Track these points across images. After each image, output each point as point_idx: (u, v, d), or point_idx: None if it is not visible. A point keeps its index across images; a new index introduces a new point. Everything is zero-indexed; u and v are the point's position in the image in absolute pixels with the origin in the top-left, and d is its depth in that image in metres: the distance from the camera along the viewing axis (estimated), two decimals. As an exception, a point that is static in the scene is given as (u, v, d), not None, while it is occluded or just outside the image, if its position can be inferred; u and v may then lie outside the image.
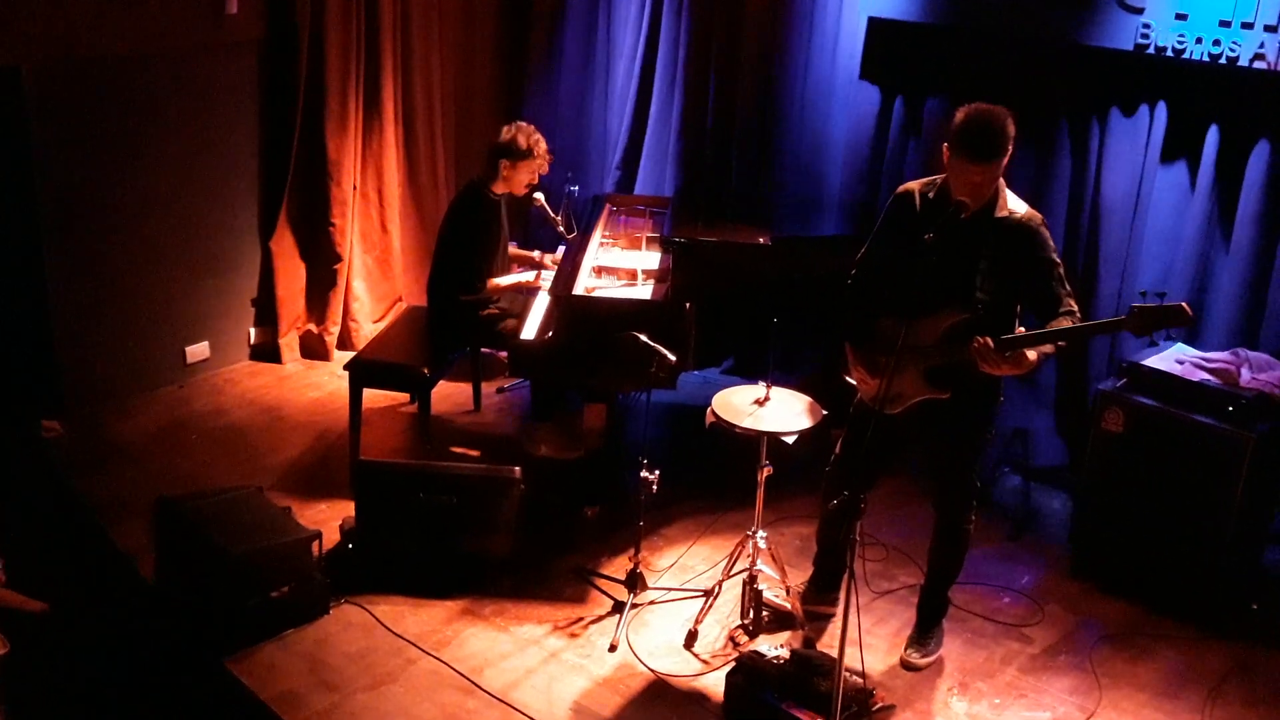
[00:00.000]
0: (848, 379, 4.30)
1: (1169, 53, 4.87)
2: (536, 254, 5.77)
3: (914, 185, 4.05)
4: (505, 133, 5.40)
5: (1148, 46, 4.91)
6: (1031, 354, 3.79)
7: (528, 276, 5.57)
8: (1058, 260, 3.91)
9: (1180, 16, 4.83)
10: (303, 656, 4.24)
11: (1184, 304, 3.58)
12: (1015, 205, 3.90)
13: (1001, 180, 3.87)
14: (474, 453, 5.65)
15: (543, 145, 5.45)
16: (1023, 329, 3.80)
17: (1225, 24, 4.74)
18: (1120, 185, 5.20)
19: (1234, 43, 4.72)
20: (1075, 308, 3.89)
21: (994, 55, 5.41)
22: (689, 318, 4.87)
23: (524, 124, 5.45)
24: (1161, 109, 5.03)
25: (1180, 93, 4.99)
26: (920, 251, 3.66)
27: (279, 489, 5.19)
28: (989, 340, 3.74)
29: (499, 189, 5.47)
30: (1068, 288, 3.91)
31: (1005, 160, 3.77)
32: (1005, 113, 3.75)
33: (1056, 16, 5.11)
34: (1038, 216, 3.91)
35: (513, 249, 5.81)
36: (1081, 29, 5.07)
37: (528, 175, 5.47)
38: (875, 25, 5.77)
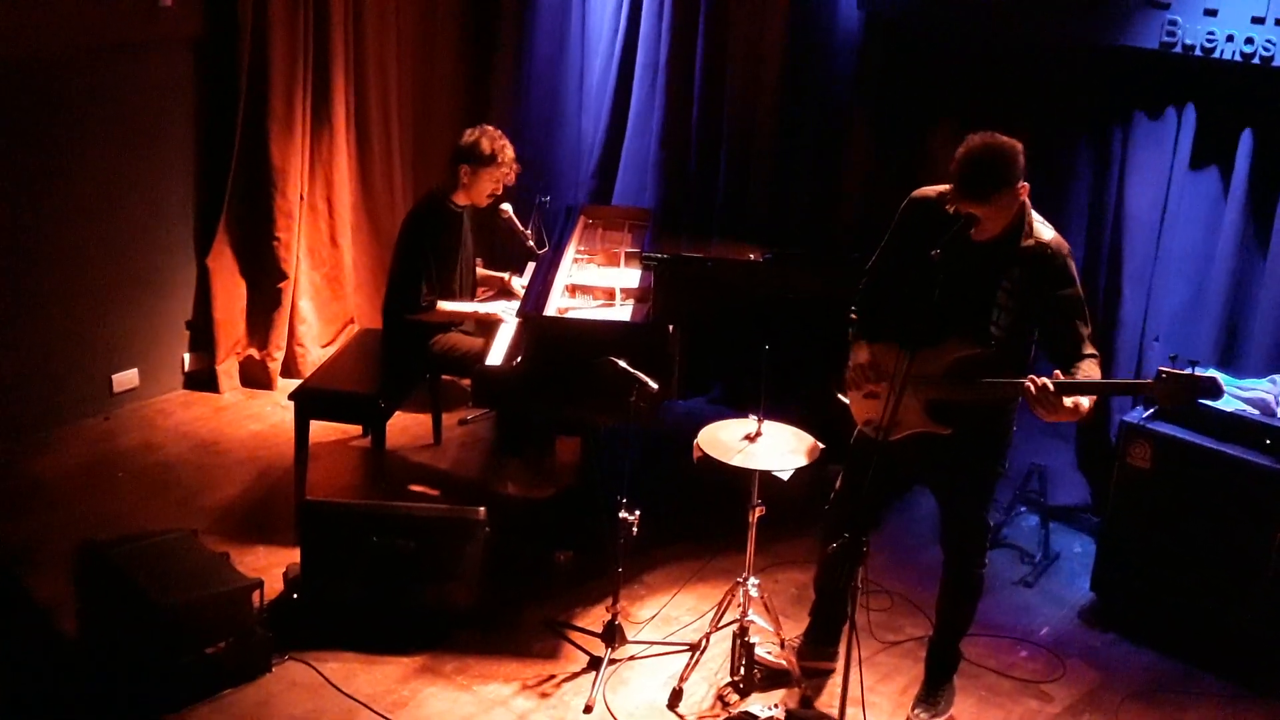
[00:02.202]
0: (841, 397, 4.30)
1: (1197, 52, 4.92)
2: (506, 276, 5.76)
3: (930, 192, 4.06)
4: (468, 135, 5.40)
5: (1174, 45, 4.96)
6: (1085, 400, 3.76)
7: (492, 308, 5.49)
8: (1083, 295, 3.92)
9: (1210, 13, 4.88)
10: (242, 720, 4.21)
11: (1216, 376, 3.60)
12: (1042, 231, 3.91)
13: (1028, 202, 3.88)
14: (434, 491, 5.64)
15: (509, 153, 5.44)
16: (1060, 374, 3.77)
17: (1258, 20, 4.79)
18: (1145, 196, 5.24)
19: (1268, 41, 4.77)
20: (1096, 351, 3.90)
21: (1006, 56, 5.45)
22: (673, 342, 4.87)
23: (490, 128, 5.45)
24: (1190, 112, 5.08)
25: (1210, 95, 5.04)
26: (927, 270, 3.67)
27: (216, 533, 5.16)
28: (1049, 382, 3.70)
29: (461, 199, 5.46)
30: (1089, 327, 3.94)
31: (1006, 197, 3.77)
32: (1008, 145, 3.75)
33: (1075, 14, 5.16)
34: (1065, 245, 3.92)
35: (481, 270, 5.80)
36: (1102, 27, 5.12)
37: (490, 184, 5.46)
38: (874, 23, 5.81)
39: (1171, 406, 3.63)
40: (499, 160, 5.39)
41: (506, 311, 5.39)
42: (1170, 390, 3.63)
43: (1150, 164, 5.21)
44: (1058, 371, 3.75)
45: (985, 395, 3.91)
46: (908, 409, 4.00)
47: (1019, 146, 3.78)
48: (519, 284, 5.66)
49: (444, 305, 5.41)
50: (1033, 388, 3.71)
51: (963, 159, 3.76)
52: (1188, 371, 3.63)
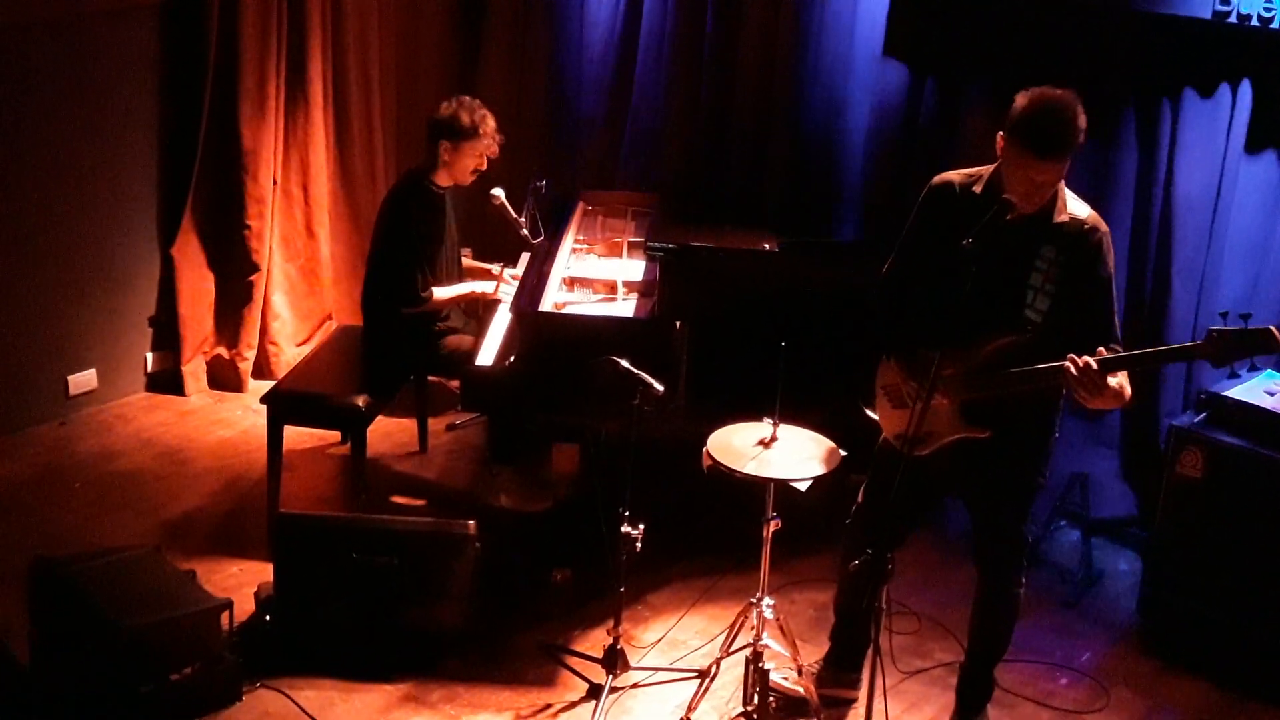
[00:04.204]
0: (869, 412, 4.31)
1: (1254, 21, 4.91)
2: (496, 268, 5.77)
3: (954, 176, 4.07)
4: (444, 109, 5.41)
5: (1229, 14, 4.95)
6: (1128, 385, 3.76)
7: (484, 287, 5.58)
8: (1113, 278, 3.94)
9: (1267, -21, 4.89)
10: (209, 753, 4.23)
11: (1272, 328, 3.59)
12: (1077, 208, 3.93)
13: (1061, 179, 3.90)
14: (419, 503, 5.64)
15: (490, 123, 5.46)
16: (1103, 351, 3.77)
17: (1321, -12, 4.80)
18: (1196, 180, 5.23)
19: (1331, 11, 4.78)
20: (1120, 343, 3.91)
21: (1044, 25, 5.46)
22: (679, 340, 4.87)
23: (467, 98, 5.47)
24: (1245, 89, 5.08)
25: (1268, 70, 5.03)
26: (958, 260, 3.67)
27: (181, 549, 5.16)
28: (1091, 361, 3.71)
29: (443, 180, 5.48)
30: (1119, 316, 3.94)
31: (1076, 148, 3.80)
32: (1075, 100, 3.78)
33: (1120, -22, 5.17)
34: (1103, 224, 3.94)
35: (468, 261, 5.81)
36: (1149, -7, 5.13)
37: (473, 160, 5.48)
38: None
39: (1227, 366, 3.66)
40: (481, 132, 5.41)
41: (504, 292, 5.44)
42: (1223, 349, 3.62)
43: (1202, 145, 5.20)
44: (1101, 349, 3.75)
45: (1024, 386, 3.90)
46: (941, 416, 4.00)
47: (1077, 97, 3.80)
48: (511, 274, 5.67)
49: (440, 291, 5.46)
50: (1074, 368, 3.71)
51: (1033, 112, 3.76)
52: (1238, 327, 3.63)
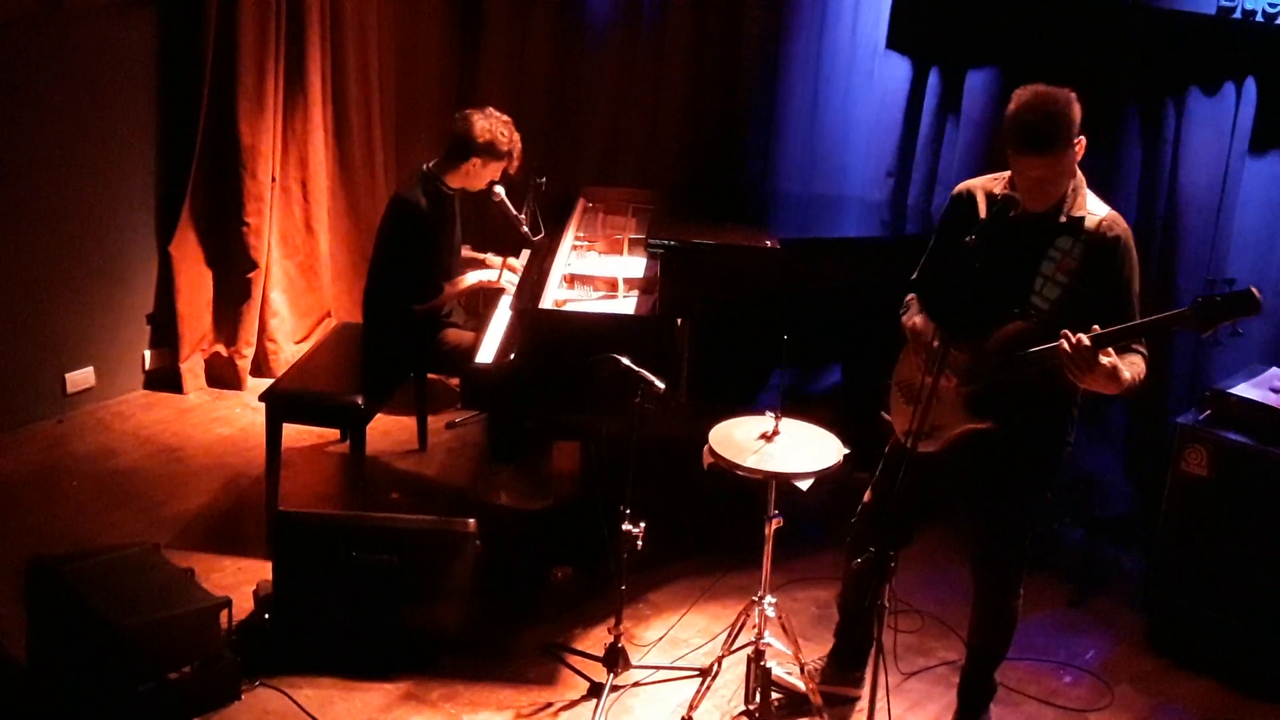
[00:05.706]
0: (885, 416, 4.31)
1: (1259, 18, 4.93)
2: (490, 256, 5.80)
3: (977, 183, 4.09)
4: (481, 127, 5.39)
5: (1234, 11, 4.97)
6: (1127, 372, 3.75)
7: (489, 275, 5.60)
8: (1135, 280, 3.93)
9: (1273, -25, 4.90)
10: (208, 752, 4.23)
11: (1252, 288, 3.59)
12: (1096, 207, 3.93)
13: (1081, 176, 3.91)
14: (419, 502, 5.64)
15: (519, 145, 5.52)
16: (1097, 327, 3.76)
17: (1326, -16, 4.81)
18: (1201, 179, 5.24)
19: (1337, 7, 4.79)
20: (1145, 350, 3.90)
21: (1049, 21, 5.46)
22: (681, 337, 4.87)
23: (498, 114, 5.49)
24: (1250, 87, 5.09)
25: (1273, 67, 5.04)
26: (963, 257, 3.68)
27: (179, 547, 5.16)
28: (1084, 336, 3.68)
29: (455, 182, 5.49)
30: (1139, 318, 3.94)
31: (1070, 151, 3.80)
32: (1066, 94, 3.78)
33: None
34: (1123, 223, 3.92)
35: (467, 252, 5.83)
36: (1153, -11, 5.14)
37: (493, 175, 5.53)
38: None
39: (1211, 334, 3.70)
40: (513, 155, 5.49)
41: (507, 280, 5.50)
42: (1206, 313, 3.62)
43: (1207, 143, 5.21)
44: (1095, 326, 3.74)
45: (1026, 368, 3.88)
46: (946, 408, 4.01)
47: (1073, 94, 3.80)
48: (508, 264, 5.69)
49: (456, 280, 5.53)
50: (1067, 345, 3.70)
51: (1019, 108, 3.78)
52: (1220, 293, 3.62)
